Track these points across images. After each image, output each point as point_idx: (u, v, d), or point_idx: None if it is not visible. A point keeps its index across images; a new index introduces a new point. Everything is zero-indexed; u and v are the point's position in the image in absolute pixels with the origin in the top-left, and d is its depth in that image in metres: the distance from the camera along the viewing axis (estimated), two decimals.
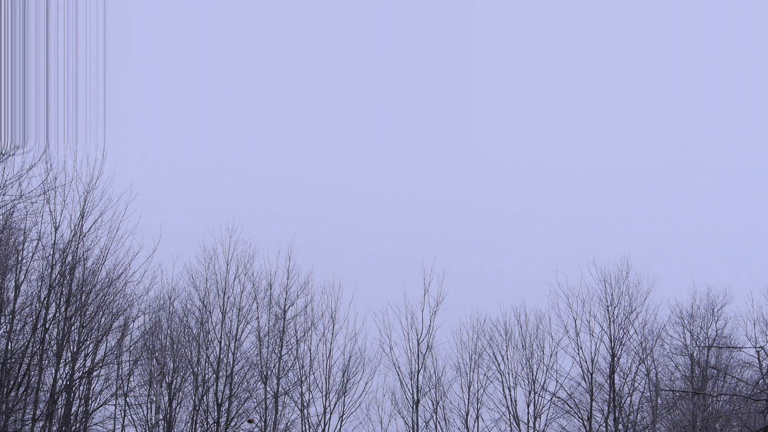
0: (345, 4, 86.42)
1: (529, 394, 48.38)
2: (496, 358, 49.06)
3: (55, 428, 37.72)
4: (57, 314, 38.49)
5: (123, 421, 42.85)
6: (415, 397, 47.91)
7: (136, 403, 43.18)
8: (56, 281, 38.55)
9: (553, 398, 48.05)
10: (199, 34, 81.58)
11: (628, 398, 47.76)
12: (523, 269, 67.87)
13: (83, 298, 39.29)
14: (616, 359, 47.94)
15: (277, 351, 47.00)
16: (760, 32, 79.44)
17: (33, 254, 38.05)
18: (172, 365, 44.39)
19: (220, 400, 44.65)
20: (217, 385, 44.89)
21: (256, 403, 45.87)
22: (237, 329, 46.27)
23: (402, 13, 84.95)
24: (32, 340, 37.17)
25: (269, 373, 46.35)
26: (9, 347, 36.40)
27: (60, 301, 38.63)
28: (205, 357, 45.40)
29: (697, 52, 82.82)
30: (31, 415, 36.89)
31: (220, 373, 45.16)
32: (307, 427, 46.56)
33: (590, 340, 48.61)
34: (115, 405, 42.09)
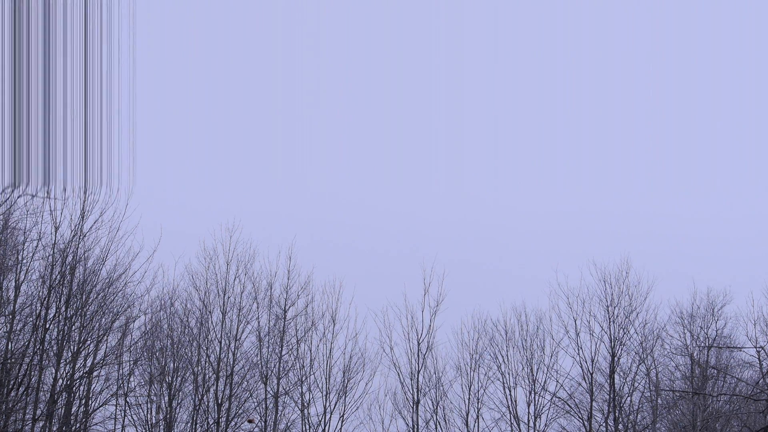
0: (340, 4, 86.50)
1: (530, 394, 48.42)
2: (496, 358, 49.11)
3: (55, 428, 37.73)
4: (57, 314, 38.52)
5: (123, 421, 42.87)
6: (416, 397, 47.92)
7: (136, 403, 43.21)
8: (56, 281, 38.57)
9: (554, 398, 48.07)
10: (200, 35, 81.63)
11: (628, 398, 47.78)
12: (523, 268, 67.90)
13: (83, 298, 39.32)
14: (616, 359, 47.96)
15: (277, 351, 47.02)
16: (760, 33, 79.44)
17: (33, 254, 38.08)
18: (172, 365, 44.41)
19: (220, 400, 44.66)
20: (217, 385, 44.91)
21: (256, 403, 45.89)
22: (237, 329, 46.30)
23: (409, 22, 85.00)
24: (32, 340, 37.20)
25: (269, 373, 46.37)
26: (9, 347, 36.41)
27: (60, 301, 38.65)
28: (205, 357, 45.42)
29: (697, 50, 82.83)
30: (31, 415, 36.90)
31: (220, 373, 45.18)
32: (307, 427, 46.58)
33: (590, 340, 48.69)
34: (116, 405, 42.11)
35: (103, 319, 40.12)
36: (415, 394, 47.96)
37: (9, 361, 36.06)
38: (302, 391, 46.94)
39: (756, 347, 36.35)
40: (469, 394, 48.49)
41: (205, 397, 44.65)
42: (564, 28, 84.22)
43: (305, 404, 46.79)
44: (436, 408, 48.13)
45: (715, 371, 47.32)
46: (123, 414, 42.82)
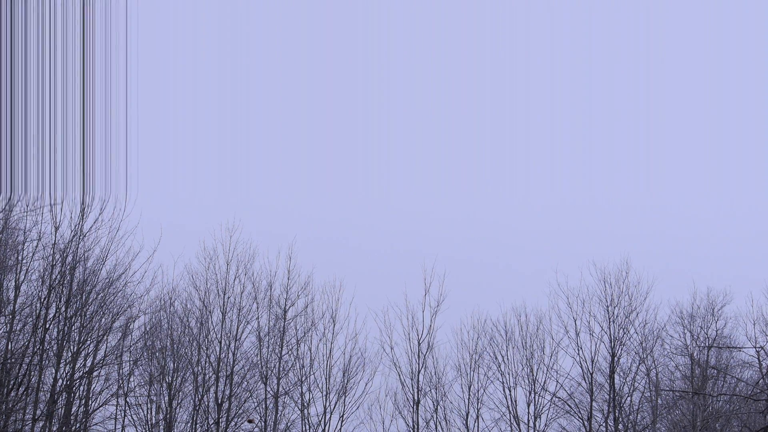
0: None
1: (530, 394, 48.44)
2: (496, 358, 49.14)
3: (55, 428, 37.76)
4: (57, 314, 38.56)
5: (123, 421, 42.88)
6: (416, 397, 47.95)
7: (136, 403, 43.22)
8: (56, 281, 38.61)
9: (554, 398, 48.10)
10: (201, 34, 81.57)
11: (628, 398, 47.80)
12: (523, 267, 67.91)
13: (83, 298, 39.36)
14: (616, 359, 47.98)
15: (277, 351, 47.04)
16: (762, 31, 79.37)
17: (33, 254, 38.11)
18: (172, 365, 44.43)
19: (220, 400, 44.69)
20: (217, 385, 44.92)
21: (256, 403, 45.92)
22: (237, 329, 46.32)
23: (406, 20, 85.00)
24: (32, 340, 37.24)
25: (269, 373, 46.39)
26: (9, 347, 36.45)
27: (60, 301, 38.69)
28: (205, 357, 45.45)
29: (698, 48, 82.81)
30: (31, 415, 36.93)
31: (220, 373, 45.20)
32: (307, 427, 46.61)
33: (590, 340, 48.71)
34: (116, 405, 42.13)
35: (103, 319, 40.17)
36: (416, 394, 47.99)
37: (9, 361, 36.09)
38: (302, 391, 46.97)
39: (756, 347, 36.37)
40: (469, 394, 48.53)
41: (205, 397, 44.68)
42: (563, 27, 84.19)
43: (305, 404, 46.83)
44: (437, 408, 48.18)
45: (715, 371, 47.34)
46: (123, 414, 42.85)
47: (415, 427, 47.51)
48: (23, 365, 36.64)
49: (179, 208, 62.08)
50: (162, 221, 41.78)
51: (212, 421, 44.49)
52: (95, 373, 40.36)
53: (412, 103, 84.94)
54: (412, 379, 48.27)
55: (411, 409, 47.76)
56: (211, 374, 45.21)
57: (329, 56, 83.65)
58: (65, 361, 38.56)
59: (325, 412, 46.77)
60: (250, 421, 45.11)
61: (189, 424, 44.24)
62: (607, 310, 48.97)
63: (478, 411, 48.30)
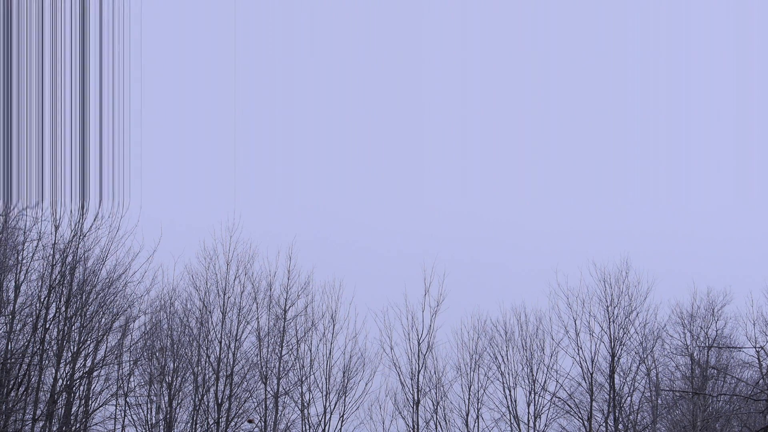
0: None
1: (530, 394, 48.44)
2: (496, 358, 49.14)
3: (55, 428, 37.77)
4: (57, 314, 38.57)
5: (123, 421, 42.89)
6: (416, 397, 47.95)
7: (136, 403, 43.24)
8: (56, 281, 38.62)
9: (553, 398, 48.11)
10: (204, 33, 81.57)
11: (628, 398, 47.81)
12: (524, 267, 67.94)
13: (83, 298, 39.37)
14: (616, 359, 47.98)
15: (277, 351, 47.05)
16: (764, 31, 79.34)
17: (33, 254, 38.14)
18: (172, 365, 44.44)
19: (220, 400, 44.69)
20: (217, 385, 44.94)
21: (256, 403, 45.93)
22: (237, 329, 46.33)
23: (400, 16, 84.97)
24: (32, 340, 37.26)
25: (269, 373, 46.40)
26: (9, 347, 36.46)
27: (60, 301, 38.70)
28: (205, 357, 45.46)
29: (697, 48, 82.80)
30: (31, 415, 36.95)
31: (220, 373, 45.21)
32: (307, 427, 46.62)
33: (590, 340, 48.71)
34: (116, 405, 42.16)
35: (103, 319, 40.20)
36: (416, 394, 47.99)
37: (9, 361, 36.10)
38: (302, 391, 46.97)
39: (756, 347, 36.49)
40: (469, 394, 48.53)
41: (205, 397, 44.69)
42: (566, 28, 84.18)
43: (305, 404, 46.83)
44: (437, 408, 48.17)
45: (715, 371, 47.36)
46: (123, 414, 42.86)
47: (415, 427, 47.52)
48: (23, 365, 36.65)
49: (179, 207, 62.06)
50: (162, 221, 41.81)
51: (212, 421, 44.50)
52: (95, 373, 40.38)
53: (413, 103, 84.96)
54: (412, 379, 48.28)
55: (411, 409, 47.77)
56: (211, 374, 45.23)
57: (327, 55, 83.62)
58: (65, 361, 38.58)
59: (325, 412, 46.79)
60: (250, 421, 45.13)
61: (189, 424, 44.25)
62: (607, 310, 48.98)
63: (478, 411, 48.33)
